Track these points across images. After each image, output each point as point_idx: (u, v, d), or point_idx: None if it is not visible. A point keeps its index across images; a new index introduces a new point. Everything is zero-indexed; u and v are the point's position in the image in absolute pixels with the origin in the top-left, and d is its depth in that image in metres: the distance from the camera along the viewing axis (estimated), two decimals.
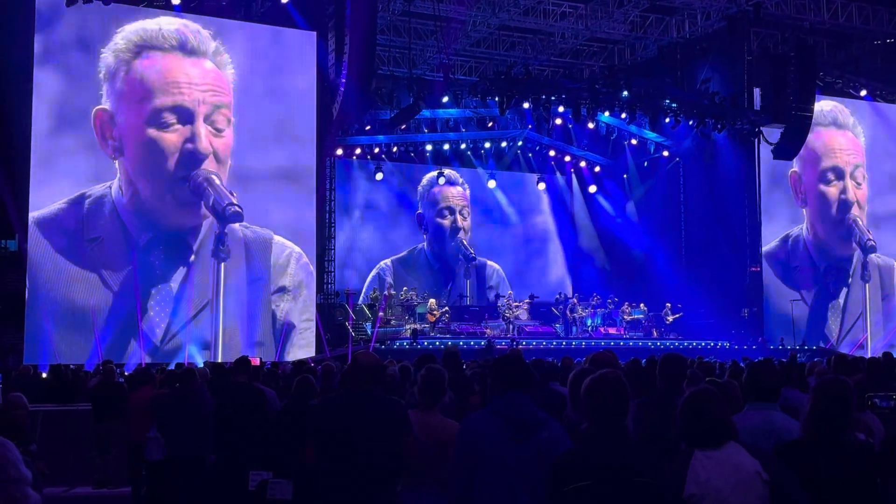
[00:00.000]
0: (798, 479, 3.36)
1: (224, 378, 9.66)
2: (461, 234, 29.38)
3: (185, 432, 7.86)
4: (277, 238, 21.63)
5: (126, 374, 14.87)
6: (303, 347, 21.40)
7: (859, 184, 27.96)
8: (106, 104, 20.04)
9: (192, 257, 20.69)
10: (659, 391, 5.24)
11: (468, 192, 29.92)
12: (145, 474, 9.20)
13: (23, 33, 19.57)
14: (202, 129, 20.51)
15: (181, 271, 20.58)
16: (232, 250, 20.94)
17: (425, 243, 29.45)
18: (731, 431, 3.38)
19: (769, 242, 26.70)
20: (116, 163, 20.16)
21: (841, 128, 27.82)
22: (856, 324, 27.54)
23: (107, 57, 20.03)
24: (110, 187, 20.08)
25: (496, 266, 30.07)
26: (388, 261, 28.61)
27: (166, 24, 20.56)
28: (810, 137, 26.01)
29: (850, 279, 27.72)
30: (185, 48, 20.64)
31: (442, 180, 28.97)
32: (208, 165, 20.63)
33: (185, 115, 20.45)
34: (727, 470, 3.25)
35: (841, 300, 27.61)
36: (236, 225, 21.05)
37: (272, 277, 21.50)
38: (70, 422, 11.21)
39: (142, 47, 20.24)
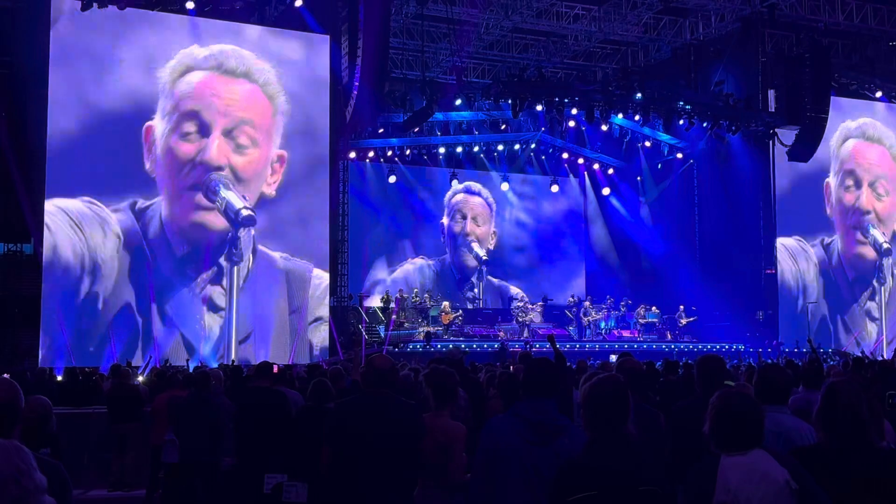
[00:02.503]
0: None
1: (244, 382, 9.68)
2: (471, 238, 29.39)
3: (200, 436, 7.87)
4: (316, 270, 21.78)
5: (142, 377, 14.93)
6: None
7: (880, 196, 27.84)
8: (155, 120, 20.41)
9: (213, 265, 20.78)
10: (698, 395, 5.14)
11: (494, 205, 30.01)
12: (162, 477, 9.25)
13: (38, 38, 19.68)
14: (216, 141, 20.54)
15: (199, 277, 20.64)
16: (272, 281, 21.17)
17: (448, 255, 29.65)
18: (760, 436, 3.31)
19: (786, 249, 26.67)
20: (157, 176, 20.39)
21: (869, 140, 27.90)
22: (874, 327, 27.40)
23: (162, 75, 20.47)
24: (160, 200, 20.39)
25: (518, 290, 29.94)
26: (420, 259, 29.01)
27: (214, 48, 20.95)
28: (842, 148, 26.16)
29: (875, 283, 27.62)
30: (222, 67, 20.89)
31: (460, 186, 29.18)
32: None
33: (202, 126, 20.57)
34: (757, 478, 3.19)
35: (861, 304, 27.45)
36: (277, 255, 21.27)
37: (309, 308, 21.59)
38: (85, 424, 11.27)
39: (189, 68, 20.64)
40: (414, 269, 28.92)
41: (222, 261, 20.87)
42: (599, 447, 3.41)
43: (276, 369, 11.74)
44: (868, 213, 27.62)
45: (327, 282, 22.04)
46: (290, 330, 21.35)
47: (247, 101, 21.10)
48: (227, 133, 20.74)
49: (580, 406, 3.59)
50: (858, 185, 27.68)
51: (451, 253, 29.55)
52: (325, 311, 21.92)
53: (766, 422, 4.05)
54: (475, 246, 29.34)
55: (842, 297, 27.29)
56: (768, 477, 3.20)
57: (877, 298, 27.60)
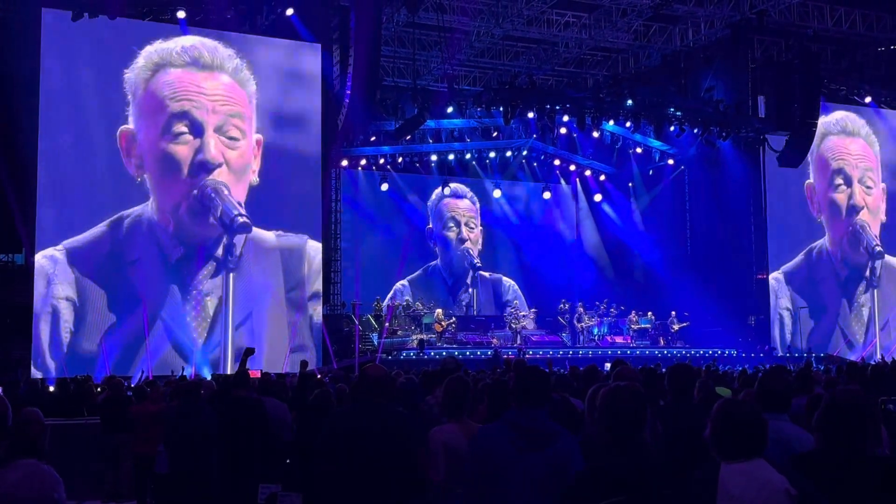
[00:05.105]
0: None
1: (225, 392, 9.65)
2: (468, 244, 29.42)
3: (191, 445, 7.85)
4: (311, 242, 21.71)
5: (132, 386, 14.88)
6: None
7: (869, 188, 27.80)
8: (130, 123, 20.29)
9: (207, 272, 20.74)
10: (668, 401, 5.24)
11: (477, 205, 29.99)
12: (153, 487, 9.23)
13: (30, 48, 19.65)
14: (211, 140, 20.54)
15: (193, 284, 20.59)
16: (267, 259, 21.11)
17: (438, 259, 29.53)
18: (763, 444, 3.34)
19: (780, 255, 26.62)
20: (147, 180, 20.31)
21: (850, 135, 27.76)
22: (867, 330, 27.46)
23: (129, 76, 20.28)
24: (148, 206, 20.28)
25: (511, 281, 30.06)
26: (404, 281, 28.61)
27: (183, 43, 20.78)
28: (821, 146, 26.05)
29: (863, 285, 27.60)
30: (198, 63, 20.77)
31: (448, 190, 29.07)
32: (221, 176, 20.64)
33: (195, 126, 20.52)
34: (757, 486, 3.22)
35: (853, 307, 27.49)
36: (271, 234, 21.22)
37: (307, 283, 21.59)
38: (78, 435, 11.20)
39: (159, 65, 20.47)
40: (416, 285, 28.85)
41: (218, 268, 20.83)
42: (616, 454, 3.43)
43: (258, 374, 11.76)
44: (861, 208, 27.49)
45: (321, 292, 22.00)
46: (286, 338, 21.32)
47: (229, 93, 21.00)
48: (219, 129, 20.71)
49: (594, 412, 3.61)
50: (849, 182, 27.52)
51: (444, 259, 29.53)
52: (319, 318, 21.91)
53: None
54: (471, 251, 29.35)
55: (833, 301, 27.33)
56: (769, 484, 3.24)
57: (869, 302, 27.65)
